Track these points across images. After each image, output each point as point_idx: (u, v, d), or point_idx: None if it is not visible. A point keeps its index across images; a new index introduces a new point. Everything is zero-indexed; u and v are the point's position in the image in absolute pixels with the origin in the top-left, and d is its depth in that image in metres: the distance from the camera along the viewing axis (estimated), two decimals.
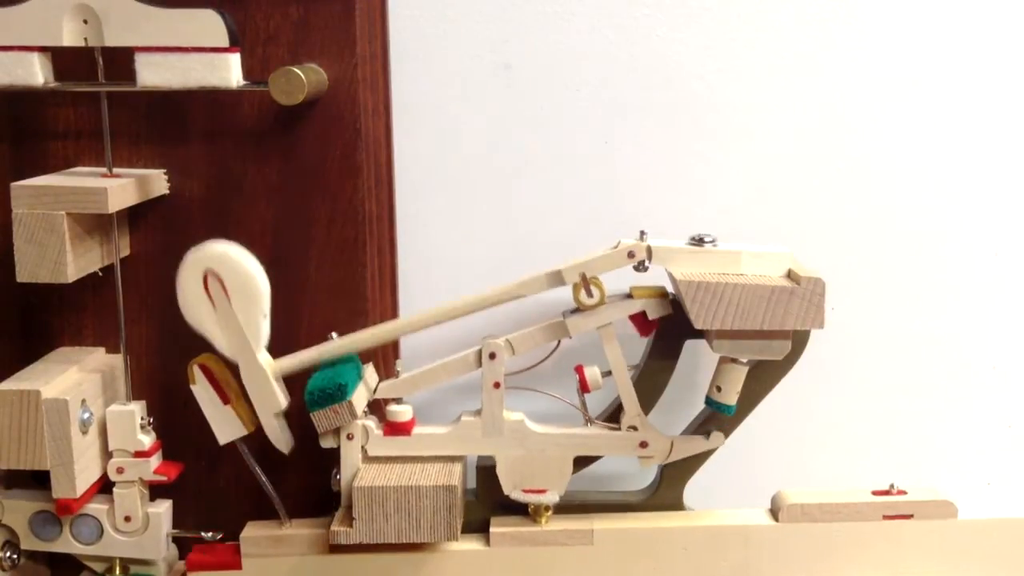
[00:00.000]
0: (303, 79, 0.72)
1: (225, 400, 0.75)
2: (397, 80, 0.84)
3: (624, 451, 0.79)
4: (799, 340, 0.76)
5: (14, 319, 0.81)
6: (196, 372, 0.75)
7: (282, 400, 0.76)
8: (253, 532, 0.79)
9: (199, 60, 0.70)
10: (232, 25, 0.70)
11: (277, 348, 0.81)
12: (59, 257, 0.71)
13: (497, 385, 0.77)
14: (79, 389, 0.75)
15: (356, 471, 0.77)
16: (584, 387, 0.78)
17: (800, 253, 0.77)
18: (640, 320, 0.77)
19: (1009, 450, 0.92)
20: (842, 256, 0.87)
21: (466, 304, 0.76)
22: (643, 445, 0.79)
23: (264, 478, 0.78)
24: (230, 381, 0.76)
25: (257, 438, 0.77)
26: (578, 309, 0.76)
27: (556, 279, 0.76)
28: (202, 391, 0.75)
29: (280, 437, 0.77)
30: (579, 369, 0.78)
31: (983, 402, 0.91)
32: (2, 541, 0.79)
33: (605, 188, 0.86)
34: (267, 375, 0.75)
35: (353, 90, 0.77)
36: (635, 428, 0.78)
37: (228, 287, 0.73)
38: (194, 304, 0.74)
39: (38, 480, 0.78)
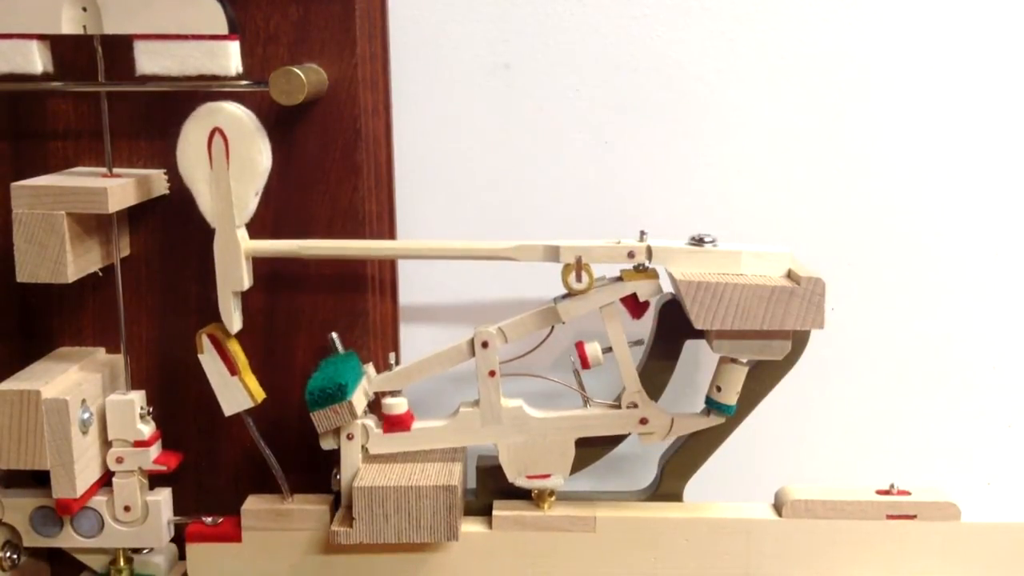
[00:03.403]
0: (303, 79, 0.72)
1: (232, 371, 0.75)
2: (397, 80, 0.84)
3: (624, 429, 0.78)
4: (799, 340, 0.76)
5: (14, 319, 0.81)
6: (204, 341, 0.75)
7: (246, 280, 0.75)
8: (254, 505, 0.80)
9: (198, 48, 0.70)
10: (231, 13, 0.70)
11: (277, 348, 0.81)
12: (59, 257, 0.71)
13: (492, 373, 0.77)
14: (79, 389, 0.75)
15: (356, 471, 0.77)
16: (584, 363, 0.77)
17: (800, 253, 0.77)
18: (631, 303, 0.77)
19: (1009, 450, 0.92)
20: (842, 256, 0.87)
21: (461, 248, 0.77)
22: (643, 422, 0.78)
23: (268, 451, 0.78)
24: (238, 352, 0.76)
25: (262, 419, 0.77)
26: (568, 294, 0.76)
27: (552, 253, 0.76)
28: (209, 361, 0.75)
29: (231, 316, 0.75)
30: (579, 345, 0.78)
31: (983, 402, 0.91)
32: (3, 541, 0.79)
33: (605, 188, 0.86)
34: (240, 250, 0.74)
35: (353, 90, 0.78)
36: (635, 405, 0.78)
37: (231, 151, 0.71)
38: (192, 155, 0.72)
39: (38, 480, 0.78)
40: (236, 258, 0.74)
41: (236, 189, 0.72)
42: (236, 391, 0.76)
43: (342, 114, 0.78)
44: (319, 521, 0.79)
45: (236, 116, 0.71)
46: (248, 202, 0.73)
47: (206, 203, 0.73)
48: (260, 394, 0.77)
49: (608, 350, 0.77)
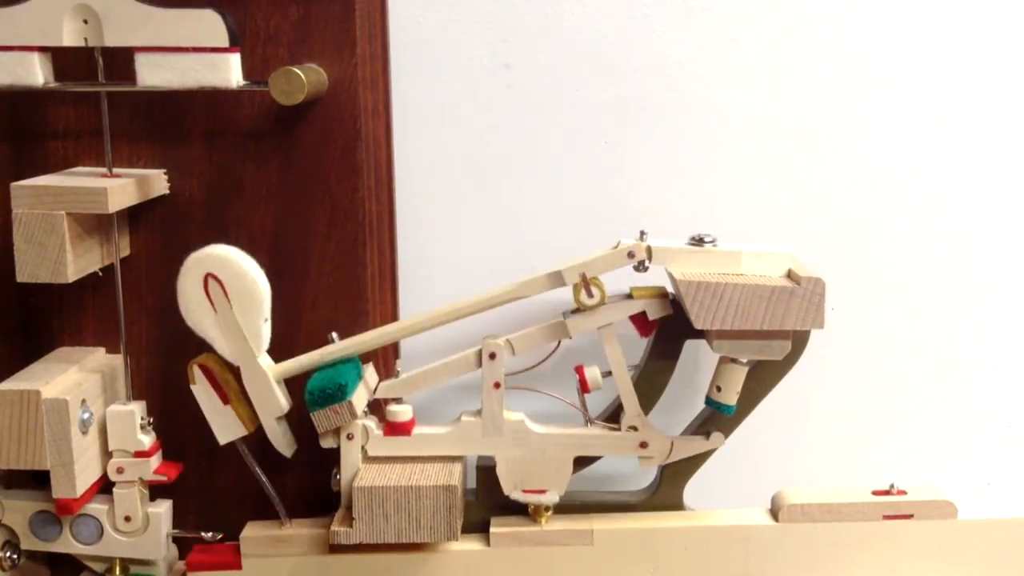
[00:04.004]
0: (303, 79, 0.71)
1: (225, 400, 0.75)
2: (397, 80, 0.84)
3: (624, 451, 0.79)
4: (799, 340, 0.76)
5: (14, 319, 0.81)
6: (196, 372, 0.75)
7: (283, 403, 0.76)
8: (253, 532, 0.79)
9: (199, 60, 0.70)
10: (232, 25, 0.70)
11: (277, 349, 0.81)
12: (59, 257, 0.71)
13: (497, 385, 0.77)
14: (79, 389, 0.75)
15: (356, 471, 0.77)
16: (584, 387, 0.78)
17: (800, 253, 0.77)
18: (640, 321, 0.77)
19: (1009, 450, 0.92)
20: (842, 256, 0.87)
21: (466, 306, 0.77)
22: (643, 445, 0.79)
23: (264, 478, 0.78)
24: (230, 381, 0.76)
25: (257, 438, 0.77)
26: (578, 309, 0.76)
27: (556, 280, 0.76)
28: (202, 391, 0.75)
29: (282, 441, 0.77)
30: (579, 369, 0.78)
31: (983, 402, 0.91)
32: (2, 541, 0.79)
33: (605, 188, 0.86)
34: (268, 379, 0.75)
35: (353, 90, 0.77)
36: (635, 428, 0.78)
37: (229, 291, 0.73)
38: (195, 307, 0.74)
39: (38, 480, 0.78)
40: (267, 386, 0.75)
41: (245, 323, 0.73)
42: (229, 420, 0.76)
43: (342, 114, 0.78)
44: (318, 545, 0.79)
45: (222, 257, 0.72)
46: (260, 331, 0.74)
47: (223, 346, 0.74)
48: (253, 422, 0.77)
49: (608, 374, 0.77)
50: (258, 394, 0.75)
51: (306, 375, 0.77)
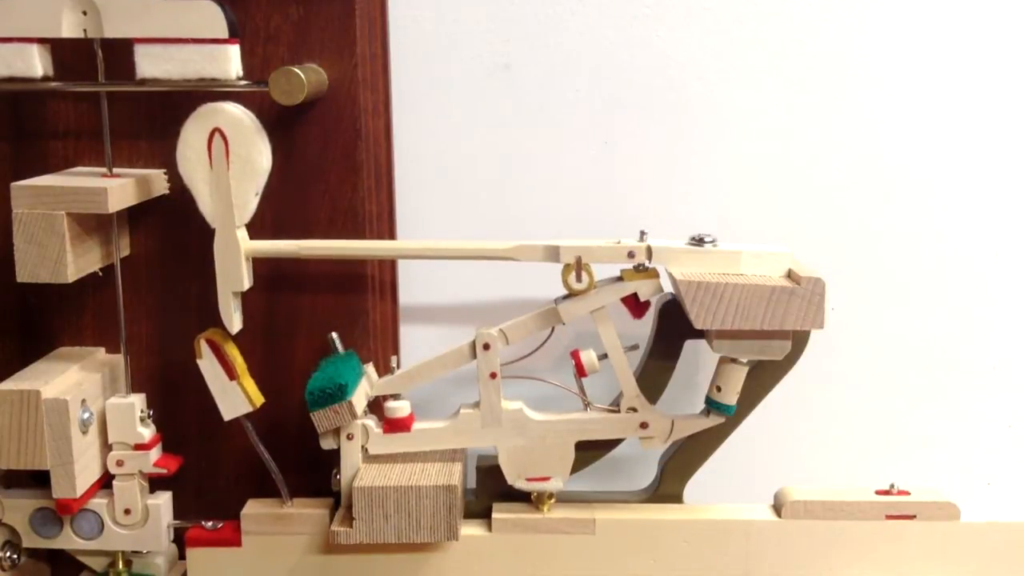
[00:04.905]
0: (303, 79, 0.72)
1: (231, 376, 0.75)
2: (397, 80, 0.84)
3: (625, 433, 0.79)
4: (799, 340, 0.76)
5: (14, 319, 0.81)
6: (203, 346, 0.75)
7: (246, 280, 0.75)
8: (254, 509, 0.80)
9: (198, 51, 0.70)
10: (232, 17, 0.70)
11: (277, 349, 0.81)
12: (59, 257, 0.71)
13: (494, 375, 0.77)
14: (79, 389, 0.75)
15: (356, 471, 0.77)
16: (581, 371, 0.78)
17: (800, 253, 0.77)
18: (632, 302, 0.77)
19: (1009, 450, 0.92)
20: (842, 256, 0.87)
21: (461, 249, 0.77)
22: (643, 426, 0.78)
23: (267, 455, 0.78)
24: (237, 356, 0.76)
25: (262, 420, 0.78)
26: (568, 295, 0.76)
27: (552, 253, 0.76)
28: (208, 366, 0.75)
29: (231, 316, 0.75)
30: (575, 354, 0.78)
31: (983, 402, 0.91)
32: (2, 541, 0.79)
33: (605, 188, 0.86)
34: (240, 251, 0.74)
35: (353, 90, 0.78)
36: (635, 410, 0.78)
37: (231, 151, 0.71)
38: (192, 157, 0.72)
39: (37, 480, 0.78)
40: (236, 259, 0.74)
41: (236, 189, 0.72)
42: (235, 396, 0.76)
43: (342, 114, 0.78)
44: (319, 525, 0.79)
45: (236, 116, 0.71)
46: (248, 202, 0.73)
47: (206, 204, 0.73)
48: (259, 398, 0.77)
49: (603, 356, 0.77)
50: (224, 264, 0.74)
51: (304, 380, 0.77)
